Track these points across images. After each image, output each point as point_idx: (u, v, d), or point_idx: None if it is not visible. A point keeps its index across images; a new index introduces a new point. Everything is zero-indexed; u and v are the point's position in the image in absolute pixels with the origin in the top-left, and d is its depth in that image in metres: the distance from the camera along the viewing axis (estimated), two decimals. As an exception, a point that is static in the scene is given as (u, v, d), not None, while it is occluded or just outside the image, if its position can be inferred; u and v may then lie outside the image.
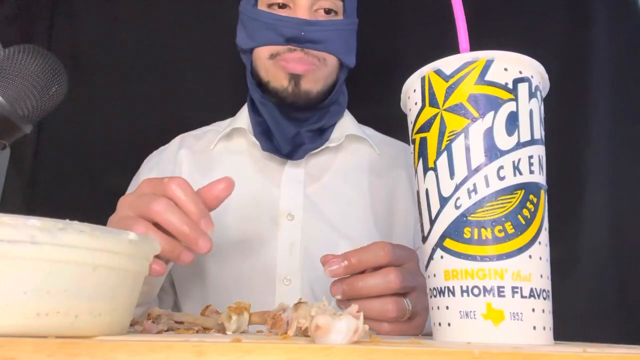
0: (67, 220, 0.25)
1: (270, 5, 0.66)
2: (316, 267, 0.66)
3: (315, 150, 0.69)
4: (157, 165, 0.74)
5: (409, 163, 0.74)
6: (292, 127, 0.68)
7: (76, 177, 0.98)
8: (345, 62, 0.68)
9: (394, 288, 0.42)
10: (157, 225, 0.40)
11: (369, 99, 0.91)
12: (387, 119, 0.84)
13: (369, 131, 0.77)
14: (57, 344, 0.21)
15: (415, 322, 0.45)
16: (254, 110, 0.70)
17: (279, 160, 0.70)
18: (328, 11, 0.66)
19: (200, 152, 0.74)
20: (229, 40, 0.74)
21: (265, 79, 0.67)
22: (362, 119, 0.79)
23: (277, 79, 0.65)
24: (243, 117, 0.73)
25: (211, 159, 0.73)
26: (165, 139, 0.79)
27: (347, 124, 0.73)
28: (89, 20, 1.04)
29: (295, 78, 0.64)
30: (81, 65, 1.00)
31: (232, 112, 0.78)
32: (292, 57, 0.64)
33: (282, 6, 0.65)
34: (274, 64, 0.65)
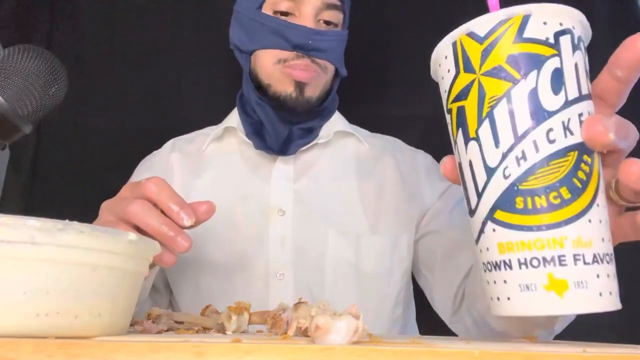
0: (67, 221, 0.25)
1: (275, 12, 0.67)
2: (308, 261, 0.66)
3: (305, 147, 0.71)
4: (148, 169, 0.75)
5: (396, 156, 0.75)
6: (286, 128, 0.70)
7: (76, 177, 0.98)
8: (340, 72, 0.70)
9: None
10: (138, 228, 0.40)
11: (362, 99, 0.91)
12: (376, 120, 0.85)
13: (357, 129, 0.79)
14: (57, 344, 0.21)
15: None
16: (245, 111, 0.72)
17: (269, 158, 0.71)
18: (328, 22, 0.67)
19: (192, 154, 0.75)
20: (229, 41, 0.74)
21: (267, 82, 0.68)
22: (356, 120, 0.79)
23: (282, 84, 0.66)
24: (233, 118, 0.75)
25: (203, 160, 0.74)
26: (165, 139, 0.80)
27: (335, 122, 0.75)
28: (89, 20, 1.04)
29: (300, 85, 0.66)
30: (81, 65, 1.00)
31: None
32: (299, 64, 0.65)
33: (285, 14, 0.66)
34: (281, 70, 0.66)
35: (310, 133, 0.71)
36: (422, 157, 0.77)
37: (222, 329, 0.38)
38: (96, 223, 0.43)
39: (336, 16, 0.68)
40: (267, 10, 0.67)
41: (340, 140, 0.75)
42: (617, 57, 0.29)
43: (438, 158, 0.79)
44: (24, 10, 1.03)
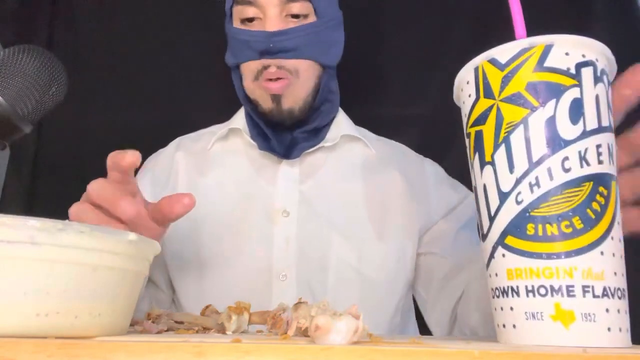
0: (67, 221, 0.25)
1: (242, 21, 0.66)
2: (310, 262, 0.66)
3: (311, 149, 0.70)
4: (153, 168, 0.75)
5: (403, 163, 0.75)
6: (288, 134, 0.69)
7: (76, 177, 0.97)
8: (324, 63, 0.67)
9: None
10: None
11: (361, 100, 0.91)
12: (374, 120, 0.85)
13: (364, 132, 0.78)
14: (57, 344, 0.21)
15: None
16: (250, 115, 0.72)
17: (274, 159, 0.71)
18: (296, 16, 0.65)
19: (197, 153, 0.75)
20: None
21: (253, 99, 0.68)
22: (354, 120, 0.79)
23: (263, 101, 0.66)
24: (239, 118, 0.74)
25: (208, 159, 0.74)
26: (165, 139, 0.80)
27: (342, 124, 0.74)
28: (89, 20, 1.04)
29: (276, 98, 0.65)
30: (81, 65, 1.00)
31: (232, 113, 0.78)
32: (269, 72, 0.64)
33: (251, 20, 0.65)
34: (258, 86, 0.66)
35: (316, 135, 0.71)
36: (430, 165, 0.76)
37: (222, 329, 0.38)
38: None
39: (302, 7, 0.64)
40: (235, 21, 0.66)
41: (347, 145, 0.74)
42: None
43: (436, 158, 0.79)
44: (24, 10, 1.03)
